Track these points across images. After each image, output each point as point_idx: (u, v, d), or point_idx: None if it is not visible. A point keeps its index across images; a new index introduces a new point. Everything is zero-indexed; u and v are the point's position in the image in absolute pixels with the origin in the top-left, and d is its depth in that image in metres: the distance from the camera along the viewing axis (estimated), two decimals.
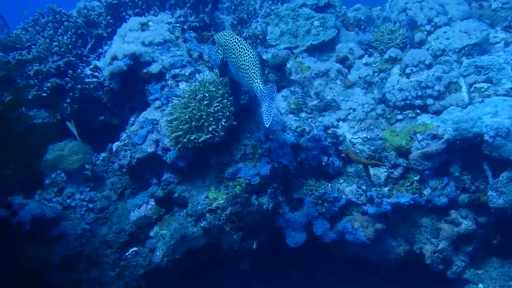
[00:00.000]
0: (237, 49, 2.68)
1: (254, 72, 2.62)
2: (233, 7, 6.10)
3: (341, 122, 3.66)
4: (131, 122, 3.57)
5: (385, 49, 4.36)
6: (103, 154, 3.69)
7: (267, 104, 2.55)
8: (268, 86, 2.56)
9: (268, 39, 4.57)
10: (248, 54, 2.66)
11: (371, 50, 4.48)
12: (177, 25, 3.70)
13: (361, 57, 4.41)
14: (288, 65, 4.12)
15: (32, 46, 4.00)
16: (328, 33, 4.50)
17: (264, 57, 4.20)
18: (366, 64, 4.25)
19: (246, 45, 2.68)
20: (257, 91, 2.58)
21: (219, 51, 2.80)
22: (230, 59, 2.73)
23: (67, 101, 3.67)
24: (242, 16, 5.41)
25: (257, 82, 2.58)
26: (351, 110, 3.71)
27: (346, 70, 4.21)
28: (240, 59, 2.69)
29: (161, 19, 3.57)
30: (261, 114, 2.73)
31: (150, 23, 3.51)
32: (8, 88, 2.53)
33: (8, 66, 2.31)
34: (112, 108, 3.84)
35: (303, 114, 3.52)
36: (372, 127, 3.58)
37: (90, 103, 3.82)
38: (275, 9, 5.36)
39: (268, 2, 6.09)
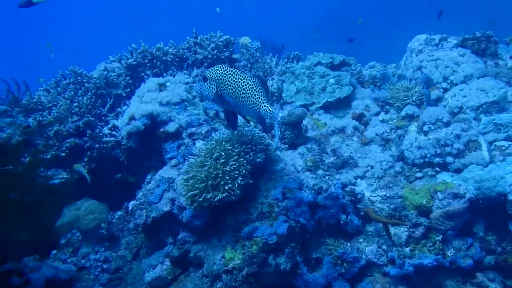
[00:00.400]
0: (234, 79, 2.69)
1: (259, 97, 2.62)
2: (249, 65, 6.34)
3: (359, 180, 3.68)
4: (147, 180, 3.64)
5: (401, 106, 4.44)
6: (119, 213, 3.73)
7: (277, 125, 2.61)
8: (274, 107, 2.62)
9: (284, 97, 4.70)
10: (248, 82, 2.66)
11: (387, 107, 4.57)
12: (193, 84, 3.85)
13: (377, 114, 4.50)
14: (304, 122, 4.22)
15: (53, 108, 4.18)
16: (344, 91, 4.62)
17: (280, 114, 4.32)
18: (382, 121, 4.32)
19: (242, 73, 2.69)
20: (266, 114, 2.62)
21: (212, 86, 2.79)
22: (227, 91, 2.74)
23: (85, 160, 3.78)
24: (258, 74, 5.61)
25: (265, 105, 2.61)
26: (369, 168, 3.73)
27: (363, 127, 4.28)
28: (239, 88, 2.68)
29: (179, 80, 3.74)
30: (274, 136, 2.78)
31: (167, 84, 3.67)
32: (28, 150, 2.63)
33: (27, 130, 2.42)
34: (129, 166, 3.93)
35: (320, 172, 3.55)
36: (391, 185, 3.58)
37: (108, 161, 3.92)
38: (291, 67, 5.55)
39: (283, 60, 6.32)
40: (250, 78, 2.65)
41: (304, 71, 4.84)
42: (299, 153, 3.66)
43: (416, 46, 5.10)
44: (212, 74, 2.76)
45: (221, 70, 2.73)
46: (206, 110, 3.68)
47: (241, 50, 7.17)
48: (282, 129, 3.78)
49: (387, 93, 4.63)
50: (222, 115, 3.74)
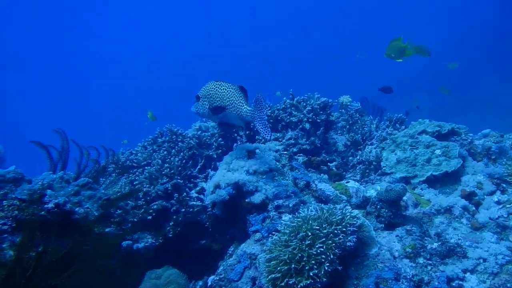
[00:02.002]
0: (219, 91, 2.94)
1: (240, 102, 2.89)
2: (347, 126, 6.08)
3: (468, 274, 3.16)
4: (230, 252, 3.49)
5: None
6: (200, 283, 3.59)
7: (258, 120, 2.88)
8: (254, 101, 2.86)
9: (383, 166, 4.35)
10: (230, 90, 2.92)
11: (504, 186, 3.99)
12: (285, 152, 3.69)
13: (491, 193, 3.94)
14: (404, 198, 3.81)
15: (146, 167, 4.27)
16: (452, 164, 4.15)
17: (378, 186, 3.97)
18: (498, 203, 3.76)
19: (226, 84, 2.94)
20: (247, 114, 2.87)
21: (204, 103, 3.01)
22: (216, 103, 2.98)
23: (171, 224, 3.74)
24: (357, 139, 5.32)
25: (245, 107, 2.87)
26: (481, 260, 3.20)
27: (474, 208, 3.75)
28: (224, 98, 2.93)
29: (268, 147, 3.60)
30: (258, 131, 2.97)
31: (257, 151, 3.55)
32: (108, 222, 2.62)
33: (106, 204, 2.41)
34: (213, 232, 3.83)
35: (421, 260, 3.12)
36: (509, 285, 3.01)
37: (193, 226, 3.86)
38: (392, 132, 5.20)
39: (384, 123, 5.98)
40: (232, 87, 2.92)
41: (406, 139, 4.46)
42: (396, 236, 3.26)
43: None
44: (203, 92, 3.01)
45: (209, 86, 2.99)
46: (295, 180, 3.48)
47: (340, 110, 6.97)
48: (378, 207, 3.43)
49: (504, 169, 4.06)
50: (313, 186, 3.50)
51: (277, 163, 3.53)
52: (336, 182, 3.76)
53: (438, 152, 4.31)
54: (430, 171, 4.11)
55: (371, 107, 7.88)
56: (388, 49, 5.41)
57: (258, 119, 2.89)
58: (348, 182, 3.74)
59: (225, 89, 2.97)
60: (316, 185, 3.52)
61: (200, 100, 3.09)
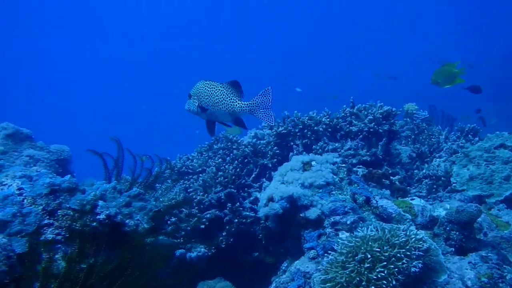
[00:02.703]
0: (208, 90, 2.96)
1: (231, 98, 2.89)
2: (412, 137, 5.70)
3: None
4: (283, 268, 3.31)
5: None
6: None
7: (262, 110, 2.84)
8: (260, 94, 2.85)
9: (453, 183, 3.97)
10: (219, 89, 2.93)
11: None
12: (343, 165, 3.44)
13: None
14: (479, 219, 3.43)
15: (200, 175, 4.19)
16: None
17: (447, 205, 3.62)
18: None
19: (215, 83, 2.96)
20: (242, 109, 2.86)
21: (194, 101, 3.03)
22: (205, 101, 2.99)
23: (224, 234, 3.62)
24: (423, 150, 4.96)
25: (238, 103, 2.86)
26: None
27: None
28: (212, 97, 2.95)
29: (325, 159, 3.37)
30: (260, 119, 2.91)
31: (313, 163, 3.34)
32: (159, 233, 2.54)
33: (157, 215, 2.32)
34: (267, 245, 3.67)
35: None
36: None
37: (246, 237, 3.72)
38: (463, 145, 4.79)
39: (455, 134, 5.55)
40: (221, 85, 2.94)
41: (481, 153, 4.06)
42: (469, 263, 2.92)
43: None
44: (193, 91, 3.06)
45: (200, 85, 3.03)
46: (354, 195, 3.23)
47: (405, 118, 6.57)
48: (448, 228, 3.10)
49: None
50: (373, 202, 3.24)
51: (335, 176, 3.29)
52: (400, 199, 3.46)
53: None
54: (510, 190, 3.69)
55: (439, 116, 7.33)
56: (436, 75, 4.98)
57: (262, 109, 2.86)
58: (413, 199, 3.43)
59: (214, 88, 2.99)
60: (376, 201, 3.25)
61: (192, 98, 3.12)
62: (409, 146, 5.35)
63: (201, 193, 3.77)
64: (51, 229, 1.95)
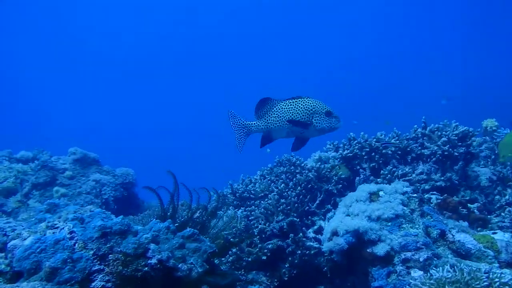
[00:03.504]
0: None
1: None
2: (492, 157, 5.30)
3: None
4: None
5: None
6: None
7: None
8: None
9: None
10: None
11: None
12: (414, 195, 3.21)
13: None
14: None
15: (262, 201, 4.11)
16: None
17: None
18: None
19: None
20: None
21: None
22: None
23: (286, 265, 3.51)
24: (505, 173, 4.56)
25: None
26: None
27: None
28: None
29: (394, 188, 3.16)
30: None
31: (380, 193, 3.15)
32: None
33: (212, 258, 2.25)
34: (332, 279, 3.50)
35: None
36: None
37: (310, 269, 3.57)
38: None
39: None
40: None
41: None
42: None
43: None
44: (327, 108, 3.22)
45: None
46: (427, 228, 2.99)
47: (484, 136, 6.12)
48: None
49: None
50: (449, 236, 2.99)
51: (405, 208, 3.07)
52: (480, 233, 3.16)
53: None
54: None
55: None
56: (505, 148, 4.42)
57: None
58: (495, 232, 3.13)
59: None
60: (453, 235, 2.99)
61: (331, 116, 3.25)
62: (489, 167, 4.94)
63: (263, 222, 3.69)
64: (101, 275, 1.93)
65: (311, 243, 3.58)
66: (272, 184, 4.46)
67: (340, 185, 4.17)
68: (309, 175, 4.17)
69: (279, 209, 3.76)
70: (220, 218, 3.15)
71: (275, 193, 4.00)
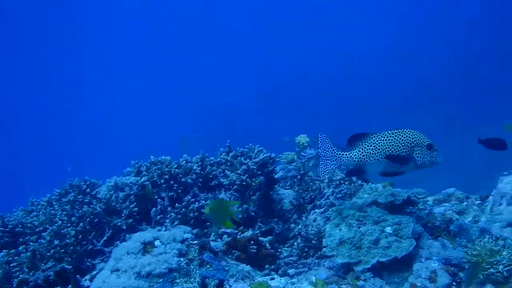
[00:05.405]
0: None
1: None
2: (298, 177, 5.44)
3: None
4: None
5: (482, 277, 3.32)
6: None
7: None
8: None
9: (324, 246, 3.72)
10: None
11: (461, 276, 3.46)
12: (195, 242, 3.04)
13: (447, 287, 3.39)
14: None
15: (43, 234, 3.58)
16: (403, 247, 3.60)
17: (313, 277, 3.38)
18: None
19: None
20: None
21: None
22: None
23: None
24: (304, 197, 4.71)
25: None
26: None
27: None
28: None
29: (173, 236, 2.95)
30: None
31: (156, 242, 2.90)
32: None
33: None
34: None
35: None
36: None
37: None
38: (343, 192, 4.64)
39: (340, 175, 5.42)
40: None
41: (353, 212, 3.89)
42: None
43: (509, 191, 3.96)
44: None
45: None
46: (204, 280, 2.84)
47: (296, 149, 6.37)
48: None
49: (463, 254, 3.53)
50: (226, 287, 2.88)
51: (181, 259, 2.87)
52: (257, 281, 3.11)
53: (388, 229, 3.75)
54: (377, 257, 3.53)
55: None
56: None
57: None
58: (273, 278, 3.12)
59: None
60: (230, 285, 2.90)
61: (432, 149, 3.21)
62: (294, 188, 5.09)
63: (28, 269, 3.17)
64: None
65: None
66: (57, 215, 3.93)
67: (131, 220, 3.83)
68: (96, 208, 3.75)
69: (49, 253, 3.28)
70: None
71: (50, 230, 3.50)
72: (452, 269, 3.53)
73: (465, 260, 3.49)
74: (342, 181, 5.13)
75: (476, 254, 3.45)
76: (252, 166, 4.17)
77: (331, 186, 5.08)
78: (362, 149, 3.27)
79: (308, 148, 5.96)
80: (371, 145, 3.24)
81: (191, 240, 3.02)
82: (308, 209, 4.54)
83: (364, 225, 3.81)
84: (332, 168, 3.36)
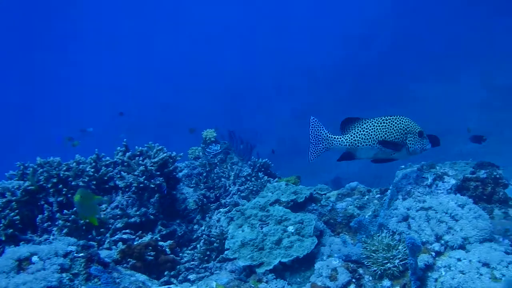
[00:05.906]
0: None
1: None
2: (204, 174, 5.31)
3: None
4: None
5: (379, 272, 3.42)
6: None
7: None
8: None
9: (226, 249, 3.62)
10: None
11: (360, 272, 3.53)
12: (80, 254, 2.77)
13: (347, 284, 3.44)
14: None
15: None
16: (305, 245, 3.60)
17: (213, 283, 3.27)
18: None
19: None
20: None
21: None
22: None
23: None
24: (208, 196, 4.59)
25: None
26: None
27: None
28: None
29: (54, 249, 2.66)
30: None
31: (34, 258, 2.61)
32: None
33: None
34: None
35: None
36: None
37: None
38: (248, 190, 4.58)
39: (247, 169, 5.36)
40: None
41: (256, 212, 3.83)
42: None
43: (405, 185, 4.12)
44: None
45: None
46: None
47: (202, 145, 6.20)
48: None
49: (363, 250, 3.61)
50: None
51: (63, 275, 2.61)
52: None
53: (291, 229, 3.74)
54: (279, 258, 3.50)
55: (238, 144, 6.89)
56: None
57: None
58: (169, 286, 2.96)
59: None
60: None
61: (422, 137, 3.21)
62: (200, 186, 4.93)
63: None
64: None
65: None
66: None
67: (11, 230, 3.45)
68: None
69: None
70: None
71: None
72: (352, 265, 3.59)
73: (364, 256, 3.58)
74: (248, 178, 5.08)
75: (375, 249, 3.55)
76: (150, 167, 3.94)
77: (236, 184, 5.01)
78: (354, 134, 3.17)
79: (214, 144, 5.83)
80: (363, 130, 3.15)
81: (75, 253, 2.75)
82: (212, 209, 4.43)
83: (266, 225, 3.77)
84: (321, 151, 3.23)
